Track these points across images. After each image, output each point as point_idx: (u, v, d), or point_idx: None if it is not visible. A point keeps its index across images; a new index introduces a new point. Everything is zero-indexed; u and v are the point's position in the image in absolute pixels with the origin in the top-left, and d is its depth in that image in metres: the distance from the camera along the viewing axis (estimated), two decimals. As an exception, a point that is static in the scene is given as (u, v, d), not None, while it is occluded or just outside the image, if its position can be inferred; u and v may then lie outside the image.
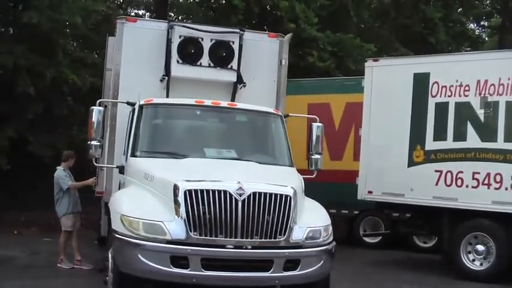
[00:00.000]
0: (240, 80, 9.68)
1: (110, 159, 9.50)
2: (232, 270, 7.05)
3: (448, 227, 11.77)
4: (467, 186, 11.33)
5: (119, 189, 9.09)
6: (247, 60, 9.79)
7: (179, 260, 6.95)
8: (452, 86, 11.62)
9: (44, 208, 16.67)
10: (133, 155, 8.38)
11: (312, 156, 9.26)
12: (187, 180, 7.17)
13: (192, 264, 6.93)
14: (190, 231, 6.96)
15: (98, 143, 8.55)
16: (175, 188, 7.11)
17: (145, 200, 7.41)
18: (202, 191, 7.04)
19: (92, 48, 18.44)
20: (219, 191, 7.05)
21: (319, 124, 9.35)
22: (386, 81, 12.50)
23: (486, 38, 27.80)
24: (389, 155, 12.24)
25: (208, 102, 8.86)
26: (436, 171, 11.69)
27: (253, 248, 7.11)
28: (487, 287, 10.70)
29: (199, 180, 7.20)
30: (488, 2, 27.49)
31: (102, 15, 18.73)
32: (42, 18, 14.81)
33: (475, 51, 13.13)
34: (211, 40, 9.61)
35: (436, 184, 11.66)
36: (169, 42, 9.57)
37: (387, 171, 12.22)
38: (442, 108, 11.71)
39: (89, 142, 8.61)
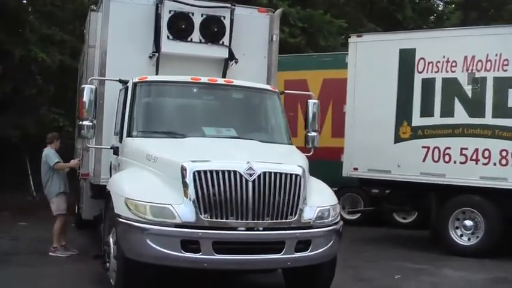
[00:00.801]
0: (231, 56, 9.40)
1: (98, 139, 9.08)
2: (244, 253, 6.83)
3: (435, 203, 11.81)
4: (455, 162, 11.34)
5: (111, 170, 8.76)
6: (237, 36, 9.51)
7: (190, 244, 6.67)
8: (439, 62, 11.56)
9: (13, 191, 16.16)
10: (129, 135, 8.05)
11: (309, 134, 9.13)
12: (194, 161, 6.88)
13: (204, 248, 6.67)
14: (201, 214, 6.69)
15: (90, 123, 8.18)
16: (183, 169, 6.81)
17: (151, 182, 7.08)
18: (211, 171, 6.77)
19: (57, 26, 17.70)
20: (229, 171, 6.79)
21: (315, 101, 9.20)
22: (371, 57, 12.36)
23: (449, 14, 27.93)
24: (375, 131, 12.15)
25: (204, 79, 8.58)
26: (423, 147, 11.67)
27: (265, 229, 6.90)
28: (476, 261, 10.76)
29: (207, 161, 6.93)
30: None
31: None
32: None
33: (460, 27, 12.94)
34: (201, 15, 9.29)
35: (424, 160, 11.65)
36: (158, 17, 9.21)
37: (373, 147, 12.13)
38: (428, 84, 11.66)
39: (80, 122, 8.26)
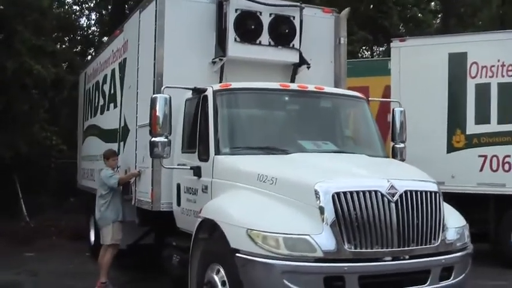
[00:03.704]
0: (302, 60, 8.43)
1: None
2: (389, 286, 5.83)
3: (493, 215, 11.10)
4: (515, 170, 10.73)
5: (179, 195, 7.62)
6: (304, 39, 8.55)
7: (333, 281, 5.62)
8: (493, 66, 10.96)
9: (3, 216, 14.59)
10: (218, 152, 6.91)
11: (397, 145, 8.28)
12: (328, 182, 5.83)
13: (349, 285, 5.63)
14: (344, 244, 5.66)
15: (166, 140, 6.99)
16: (317, 192, 5.75)
17: (276, 209, 5.93)
18: (351, 193, 5.75)
19: (44, 35, 16.18)
20: (370, 192, 5.79)
21: (402, 109, 8.34)
22: (417, 62, 11.64)
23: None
24: (425, 141, 11.34)
25: (294, 85, 7.61)
26: (480, 156, 11.01)
27: (411, 257, 5.93)
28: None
29: (345, 181, 5.92)
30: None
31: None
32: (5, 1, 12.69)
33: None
34: (270, 15, 8.29)
35: (481, 170, 10.97)
36: (223, 17, 8.13)
37: (423, 158, 11.02)
38: (483, 89, 11.03)
39: (152, 139, 7.03)
